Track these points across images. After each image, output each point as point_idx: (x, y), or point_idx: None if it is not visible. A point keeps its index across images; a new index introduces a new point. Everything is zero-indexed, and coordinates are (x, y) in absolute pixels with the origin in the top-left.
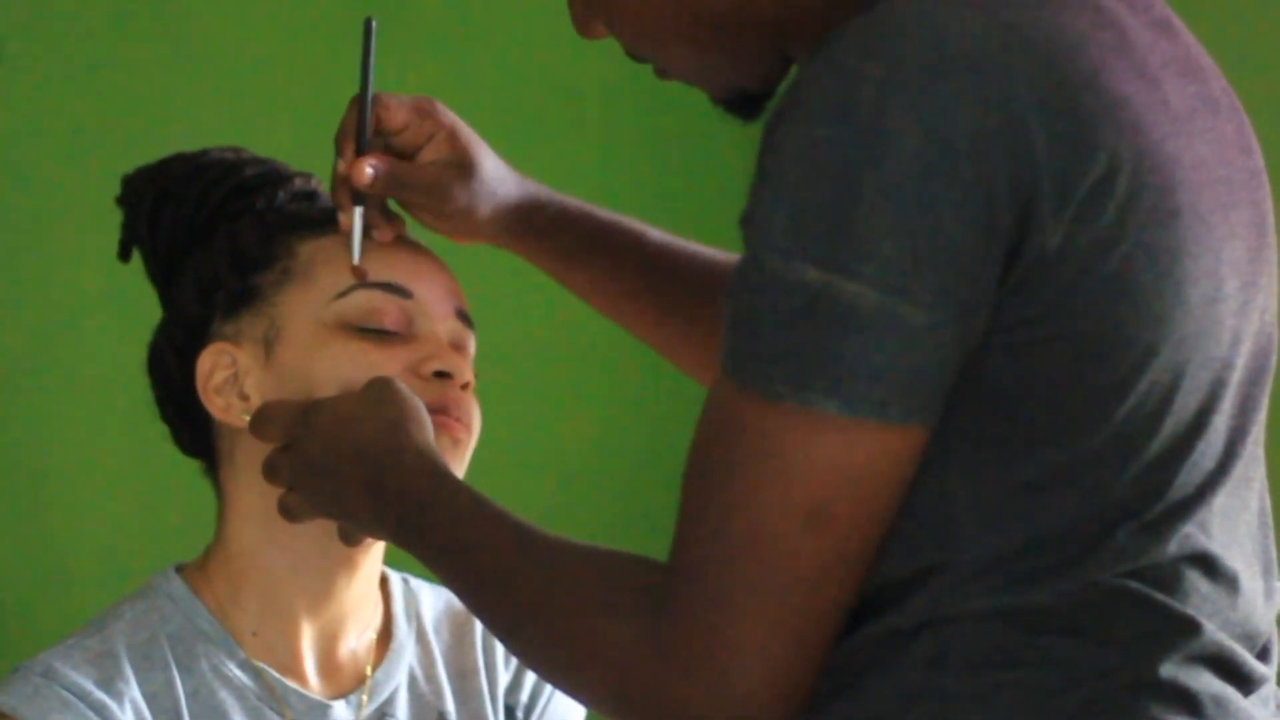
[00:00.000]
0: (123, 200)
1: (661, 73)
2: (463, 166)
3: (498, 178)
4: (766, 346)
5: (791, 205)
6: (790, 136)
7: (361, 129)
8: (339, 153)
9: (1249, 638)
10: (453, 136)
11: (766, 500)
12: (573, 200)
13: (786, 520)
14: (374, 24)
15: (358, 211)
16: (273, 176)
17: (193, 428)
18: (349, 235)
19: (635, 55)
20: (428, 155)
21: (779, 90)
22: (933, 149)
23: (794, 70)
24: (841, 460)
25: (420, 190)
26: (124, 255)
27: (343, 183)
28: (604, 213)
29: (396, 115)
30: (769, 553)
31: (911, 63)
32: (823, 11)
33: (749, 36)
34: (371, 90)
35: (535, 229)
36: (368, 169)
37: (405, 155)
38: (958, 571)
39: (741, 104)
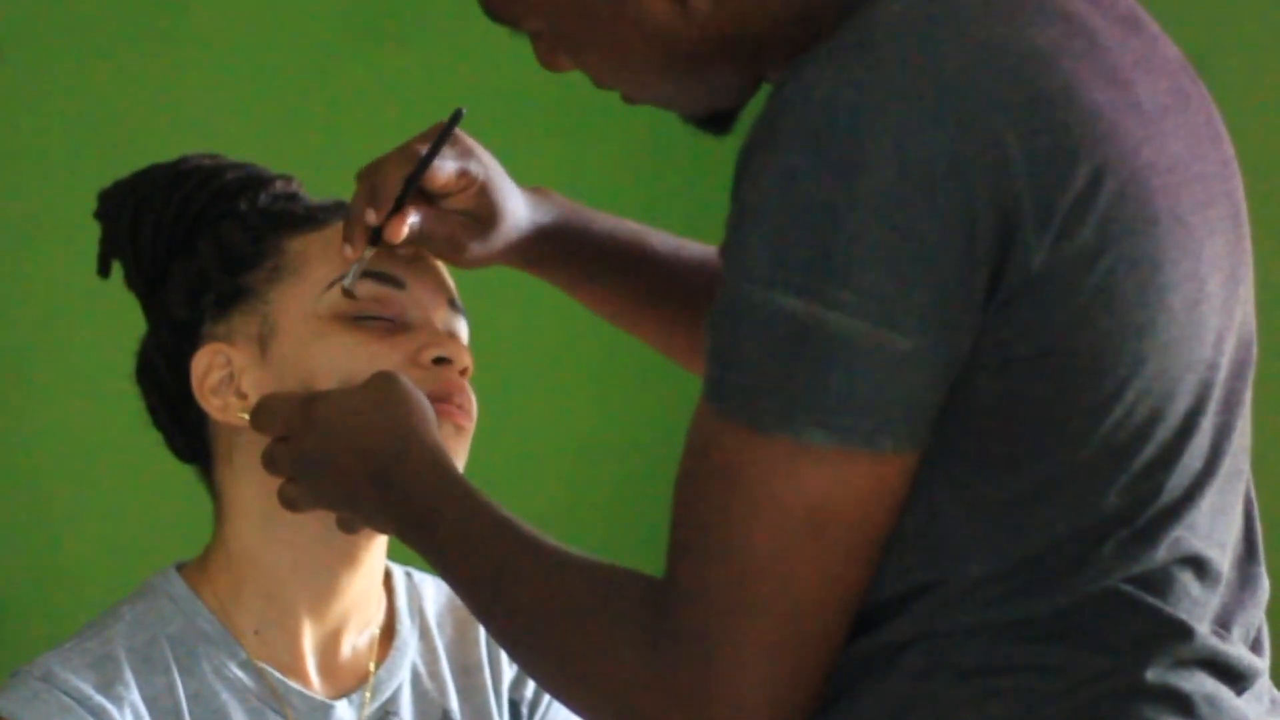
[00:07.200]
0: (101, 214)
1: (629, 99)
2: (484, 220)
3: (514, 223)
4: (751, 378)
5: (771, 235)
6: (767, 166)
7: (407, 189)
8: (371, 199)
9: (1241, 630)
10: (483, 190)
11: (758, 531)
12: (578, 219)
13: (779, 550)
14: (463, 112)
15: (368, 251)
16: (253, 179)
17: (186, 432)
18: (351, 264)
19: (602, 85)
20: (454, 204)
21: (753, 105)
22: (910, 174)
23: (765, 89)
24: (833, 490)
25: (439, 242)
26: (103, 270)
27: (364, 226)
28: (608, 230)
29: (440, 175)
30: (763, 583)
31: (884, 87)
32: (792, 33)
33: (719, 62)
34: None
35: (540, 261)
36: (405, 230)
37: (431, 197)
38: (950, 588)
39: (712, 121)
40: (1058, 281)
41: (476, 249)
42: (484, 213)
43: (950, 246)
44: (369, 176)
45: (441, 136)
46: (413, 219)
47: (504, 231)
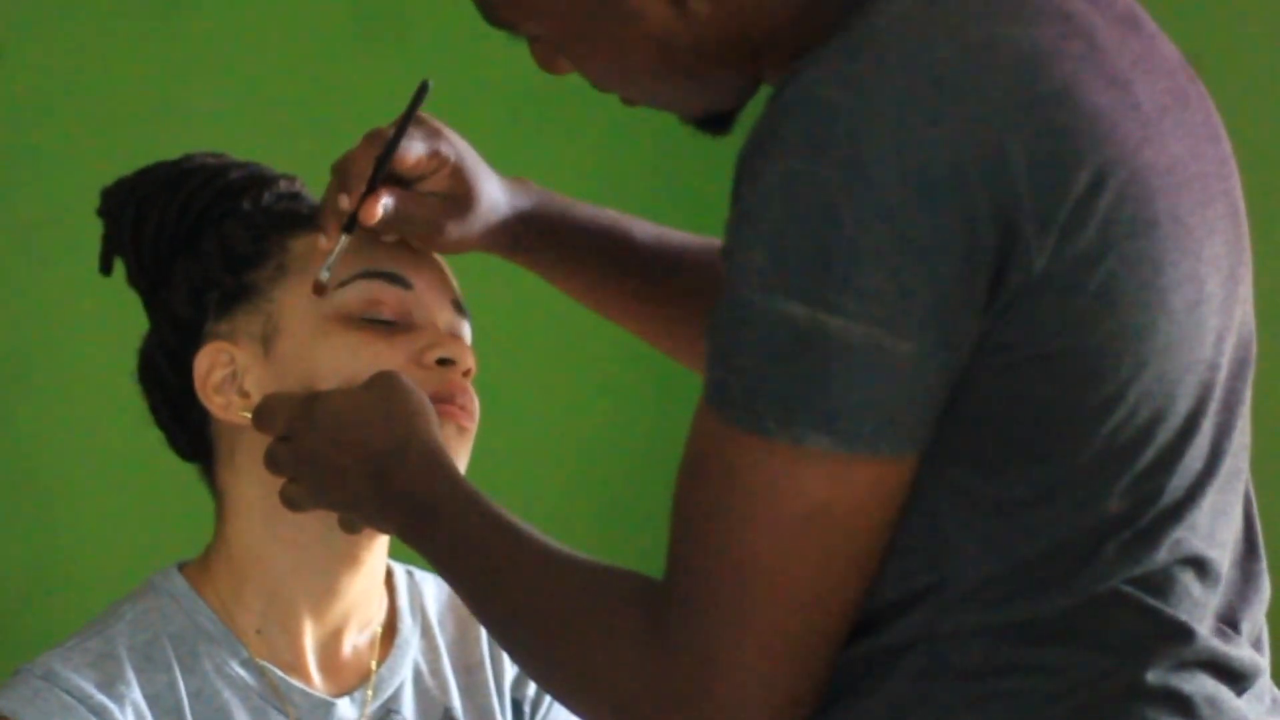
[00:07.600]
0: (103, 211)
1: (628, 101)
2: (459, 201)
3: (491, 205)
4: (754, 382)
5: (771, 240)
6: (766, 170)
7: (378, 170)
8: (342, 185)
9: (1248, 627)
10: (456, 171)
11: (758, 534)
12: (559, 205)
13: (779, 553)
14: (429, 86)
15: (343, 239)
16: (257, 178)
17: (188, 431)
18: (324, 255)
19: (601, 88)
20: (428, 186)
21: (753, 106)
22: (911, 179)
23: (765, 90)
24: (834, 494)
25: (416, 224)
26: (105, 268)
27: (337, 213)
28: (590, 216)
29: (409, 156)
30: (763, 587)
31: (884, 91)
32: (792, 34)
33: (718, 64)
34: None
35: (523, 246)
36: (379, 210)
37: (405, 181)
38: (951, 591)
39: (711, 122)
40: (1059, 284)
41: (455, 231)
42: (459, 193)
43: (951, 250)
44: (339, 166)
45: (409, 111)
46: (386, 200)
47: (481, 214)
